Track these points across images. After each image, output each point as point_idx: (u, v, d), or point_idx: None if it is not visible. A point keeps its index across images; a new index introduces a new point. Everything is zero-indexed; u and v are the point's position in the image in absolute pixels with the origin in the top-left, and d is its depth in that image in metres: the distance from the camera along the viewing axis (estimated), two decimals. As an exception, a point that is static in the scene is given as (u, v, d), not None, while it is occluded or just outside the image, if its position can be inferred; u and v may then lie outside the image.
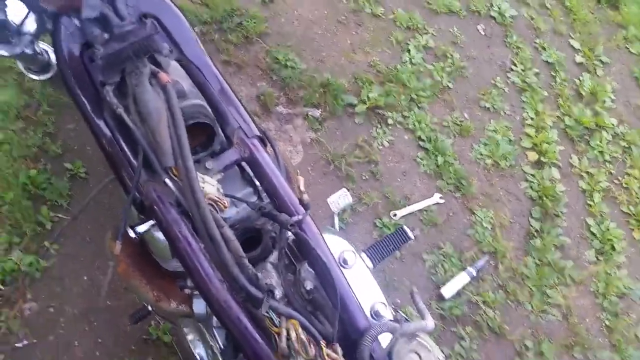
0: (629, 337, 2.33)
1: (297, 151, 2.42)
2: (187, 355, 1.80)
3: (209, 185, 0.88)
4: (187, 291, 1.13)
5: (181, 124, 0.81)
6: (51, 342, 1.90)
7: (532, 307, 2.32)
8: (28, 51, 1.15)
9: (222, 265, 0.82)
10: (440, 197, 2.46)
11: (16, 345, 1.85)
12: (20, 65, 1.43)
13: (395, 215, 2.37)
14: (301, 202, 0.95)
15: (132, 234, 1.00)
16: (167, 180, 0.85)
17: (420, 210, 2.41)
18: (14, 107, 2.23)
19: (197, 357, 1.32)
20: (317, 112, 2.53)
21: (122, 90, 0.92)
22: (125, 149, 0.97)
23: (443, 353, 1.14)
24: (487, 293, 2.29)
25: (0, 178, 2.08)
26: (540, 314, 2.31)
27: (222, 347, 1.11)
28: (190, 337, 1.36)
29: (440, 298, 2.24)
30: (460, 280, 2.27)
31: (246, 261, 0.83)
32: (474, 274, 2.29)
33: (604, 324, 2.35)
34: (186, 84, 0.96)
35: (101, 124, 0.98)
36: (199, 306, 1.14)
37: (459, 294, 2.27)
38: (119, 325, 1.93)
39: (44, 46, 1.32)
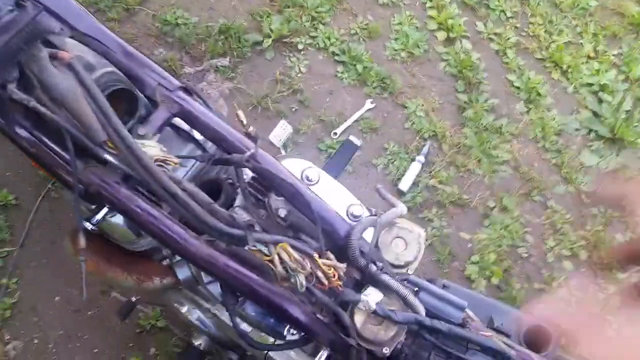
0: (575, 167, 2.51)
1: (220, 105, 2.37)
2: (186, 327, 1.81)
3: (150, 148, 0.85)
4: (166, 262, 1.12)
5: (100, 96, 0.77)
6: (50, 372, 1.86)
7: (482, 171, 2.44)
8: None
9: (194, 219, 0.81)
10: (371, 102, 2.50)
11: (16, 388, 1.81)
12: None
13: (335, 134, 2.39)
14: (248, 135, 0.94)
15: (90, 227, 0.96)
16: (107, 156, 0.82)
17: (356, 121, 2.44)
18: None
19: (198, 323, 1.33)
20: (225, 61, 2.46)
21: (25, 85, 0.86)
22: (50, 143, 0.92)
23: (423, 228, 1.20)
24: (440, 173, 2.39)
25: None
26: (493, 175, 2.44)
27: (220, 298, 1.12)
28: (184, 309, 1.36)
29: (400, 193, 2.33)
30: (413, 170, 2.36)
31: (216, 206, 0.82)
32: (423, 160, 2.38)
33: (551, 163, 2.52)
34: (90, 56, 0.90)
35: (16, 128, 0.92)
36: (183, 272, 1.13)
37: (415, 183, 2.36)
38: (108, 328, 1.92)
39: None
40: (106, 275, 1.10)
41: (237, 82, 2.43)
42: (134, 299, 1.50)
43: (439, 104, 2.55)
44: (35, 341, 1.89)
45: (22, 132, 0.91)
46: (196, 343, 1.47)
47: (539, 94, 2.63)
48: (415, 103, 2.52)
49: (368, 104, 2.50)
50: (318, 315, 0.95)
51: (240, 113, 0.92)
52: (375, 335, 1.00)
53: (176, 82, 0.99)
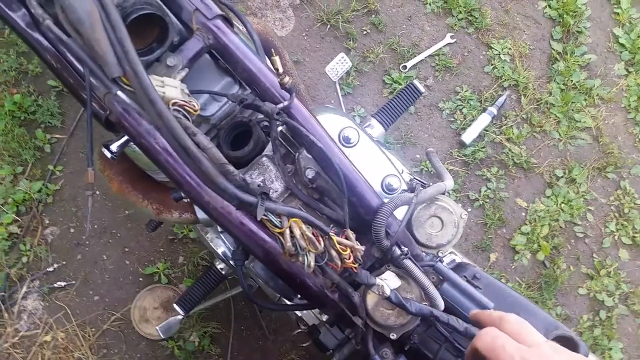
0: (664, 149, 2.24)
1: (288, 17, 2.21)
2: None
3: (170, 89, 0.77)
4: (185, 200, 1.07)
5: (119, 24, 0.67)
6: (80, 261, 1.95)
7: (559, 135, 2.21)
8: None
9: (204, 177, 0.73)
10: (452, 37, 2.26)
11: (48, 270, 1.91)
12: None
13: (405, 67, 2.21)
14: (282, 85, 0.83)
15: (107, 154, 0.92)
16: (120, 93, 0.74)
17: (431, 56, 2.23)
18: (-22, 32, 2.07)
19: (222, 255, 1.31)
20: (302, -33, 2.26)
21: (50, -4, 0.77)
22: (74, 61, 0.85)
23: (465, 210, 1.08)
24: (511, 129, 2.19)
25: (-15, 111, 2.00)
26: (569, 141, 2.21)
27: (231, 249, 1.08)
28: (209, 235, 1.34)
29: (462, 145, 2.16)
30: (481, 122, 2.17)
31: (230, 167, 0.74)
32: (495, 112, 2.17)
33: (637, 139, 2.25)
34: (118, -31, 0.80)
35: (39, 37, 0.85)
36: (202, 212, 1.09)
37: (480, 136, 2.18)
38: (141, 230, 1.95)
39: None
40: (127, 199, 1.07)
41: (310, -8, 2.25)
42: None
43: (529, 50, 2.28)
44: (72, 230, 1.96)
45: (45, 44, 0.84)
46: (219, 267, 1.47)
47: (646, 57, 2.30)
48: (502, 45, 2.26)
49: (448, 38, 2.26)
50: (326, 291, 0.89)
51: (277, 59, 0.81)
52: (386, 320, 0.94)
53: (215, 9, 0.88)
